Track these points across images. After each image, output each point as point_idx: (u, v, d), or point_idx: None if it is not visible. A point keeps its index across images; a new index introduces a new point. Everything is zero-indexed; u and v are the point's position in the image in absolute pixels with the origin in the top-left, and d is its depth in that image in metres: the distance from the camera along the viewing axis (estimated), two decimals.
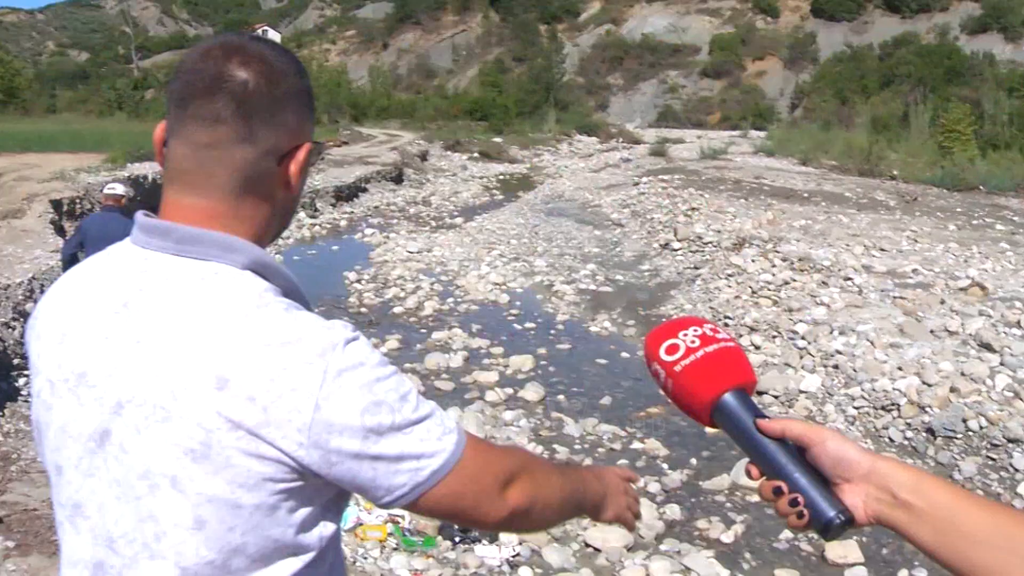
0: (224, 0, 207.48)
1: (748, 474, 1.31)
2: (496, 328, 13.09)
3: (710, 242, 17.13)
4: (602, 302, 14.73)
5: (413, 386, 1.44)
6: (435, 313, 14.03)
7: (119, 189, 9.72)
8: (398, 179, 33.35)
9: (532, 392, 10.19)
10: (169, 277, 1.42)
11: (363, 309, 14.46)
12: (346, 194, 27.86)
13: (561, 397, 10.24)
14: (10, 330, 9.59)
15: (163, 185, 1.52)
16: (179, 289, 1.41)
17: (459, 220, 24.50)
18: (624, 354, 11.91)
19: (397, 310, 14.26)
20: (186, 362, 1.35)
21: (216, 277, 1.41)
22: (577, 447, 8.58)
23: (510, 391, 10.27)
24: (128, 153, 24.96)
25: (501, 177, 38.53)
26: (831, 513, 1.18)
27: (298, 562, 1.44)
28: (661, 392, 1.39)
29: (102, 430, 1.40)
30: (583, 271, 16.94)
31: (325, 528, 1.47)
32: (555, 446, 8.51)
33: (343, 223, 24.25)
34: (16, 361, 9.24)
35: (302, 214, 23.79)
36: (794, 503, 1.20)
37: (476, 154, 46.83)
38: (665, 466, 8.30)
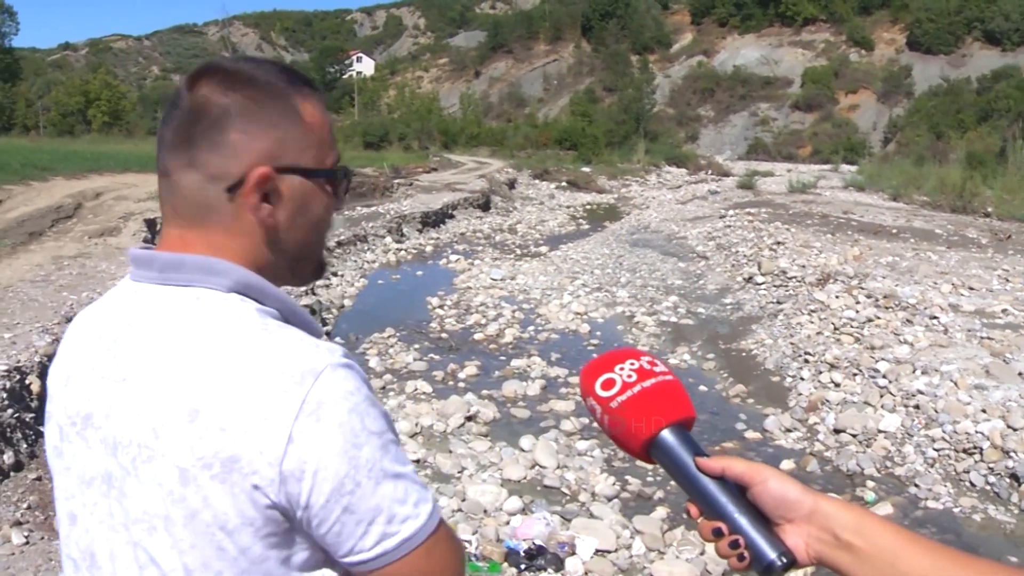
0: (320, 27, 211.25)
1: (687, 513, 1.27)
2: (575, 357, 13.10)
3: (794, 277, 16.95)
4: (683, 334, 14.66)
5: (397, 434, 1.32)
6: (515, 341, 14.09)
7: None
8: (485, 206, 33.56)
9: None
10: (153, 308, 1.34)
11: (444, 334, 14.57)
12: (433, 220, 28.10)
13: None
14: None
15: None
16: (161, 319, 1.32)
17: (544, 249, 24.57)
18: (702, 387, 11.83)
19: (478, 336, 14.36)
20: (162, 396, 1.25)
21: (198, 303, 1.32)
22: (649, 479, 8.55)
23: (585, 420, 10.26)
24: None
25: (588, 207, 38.56)
26: (772, 555, 1.15)
27: None
28: (597, 427, 1.36)
29: (106, 473, 1.32)
30: (665, 303, 16.88)
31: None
32: (627, 477, 8.49)
33: (429, 249, 24.47)
34: None
35: (388, 239, 24.05)
36: (735, 544, 1.17)
37: (564, 183, 46.86)
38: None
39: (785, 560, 1.15)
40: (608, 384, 1.26)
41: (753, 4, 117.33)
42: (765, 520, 1.19)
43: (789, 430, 10.19)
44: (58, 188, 21.05)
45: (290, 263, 1.45)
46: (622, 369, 1.27)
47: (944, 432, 9.14)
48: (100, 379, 1.34)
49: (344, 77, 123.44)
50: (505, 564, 6.39)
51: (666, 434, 1.24)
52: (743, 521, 1.17)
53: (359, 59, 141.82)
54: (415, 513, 1.28)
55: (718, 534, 1.18)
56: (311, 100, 1.42)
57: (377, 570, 1.28)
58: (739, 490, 1.21)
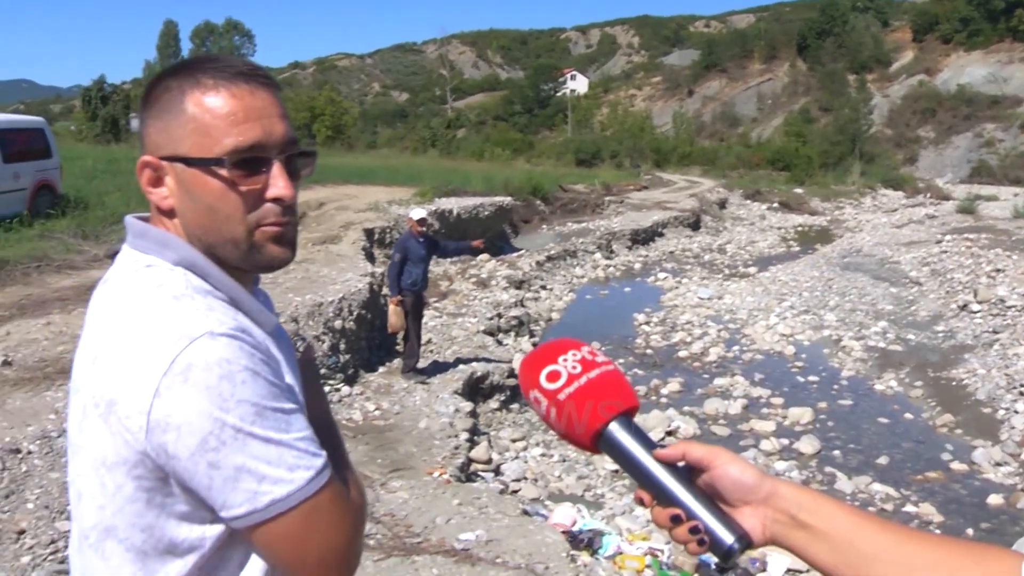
0: (535, 46, 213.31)
1: (639, 501, 1.27)
2: (778, 379, 13.11)
3: (1013, 306, 16.40)
4: (890, 361, 14.42)
5: (285, 406, 1.37)
6: (719, 360, 14.18)
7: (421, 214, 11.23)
8: (695, 225, 33.51)
9: (808, 445, 10.20)
10: (118, 268, 1.49)
11: (649, 351, 14.78)
12: (642, 238, 28.27)
13: (837, 452, 10.20)
14: (320, 342, 10.56)
15: None
16: (117, 279, 1.46)
17: (752, 269, 24.41)
18: (908, 415, 11.67)
19: (682, 354, 14.51)
20: (84, 342, 1.42)
21: (149, 270, 1.44)
22: (847, 501, 8.55)
23: (785, 442, 10.32)
24: (436, 188, 26.40)
25: (799, 228, 37.98)
26: (731, 540, 1.17)
27: (180, 564, 1.40)
28: (541, 420, 1.34)
29: None
30: (874, 328, 16.60)
31: (212, 530, 1.40)
32: None
33: (637, 266, 24.66)
34: (323, 371, 10.21)
35: (597, 255, 24.35)
36: (694, 531, 1.18)
37: (776, 204, 46.22)
38: (938, 532, 8.14)
39: (743, 544, 1.17)
40: (553, 376, 1.25)
41: (981, 19, 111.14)
42: (719, 504, 1.21)
43: (999, 464, 9.96)
44: None
45: (206, 247, 1.49)
46: (566, 360, 1.26)
47: None
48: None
49: (558, 95, 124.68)
50: (697, 575, 6.56)
51: (615, 425, 1.24)
52: (699, 507, 1.19)
53: (573, 77, 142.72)
54: (289, 478, 1.33)
55: (676, 520, 1.19)
56: (206, 91, 1.45)
57: (250, 528, 1.35)
58: (690, 474, 1.24)
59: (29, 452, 6.21)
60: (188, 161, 1.44)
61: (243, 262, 1.49)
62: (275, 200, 1.47)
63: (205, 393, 1.28)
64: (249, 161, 1.44)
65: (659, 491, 1.21)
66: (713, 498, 1.21)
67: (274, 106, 1.48)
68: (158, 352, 1.30)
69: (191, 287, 1.42)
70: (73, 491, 1.45)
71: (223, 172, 1.43)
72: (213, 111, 1.43)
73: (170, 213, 1.49)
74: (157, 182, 1.48)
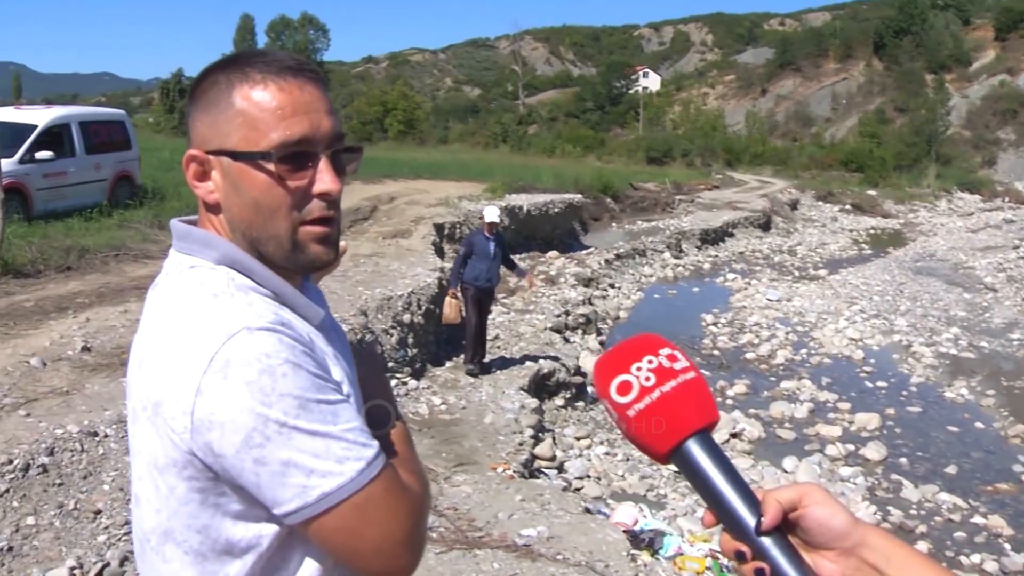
0: (608, 42, 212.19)
1: (702, 521, 1.18)
2: (846, 383, 13.03)
3: None
4: (962, 368, 14.25)
5: (331, 397, 1.36)
6: (786, 362, 14.12)
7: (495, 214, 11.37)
8: (766, 226, 33.28)
9: (874, 451, 10.14)
10: (165, 271, 1.50)
11: (716, 351, 14.76)
12: (712, 237, 28.16)
13: (903, 460, 10.11)
14: (388, 336, 10.67)
15: None
16: (165, 281, 1.48)
17: (823, 272, 24.25)
18: (979, 424, 11.53)
19: (749, 356, 14.48)
20: (135, 347, 1.44)
21: (192, 271, 1.45)
22: (912, 512, 8.51)
23: (851, 447, 10.27)
24: (507, 184, 26.46)
25: (872, 231, 37.56)
26: None
27: (239, 565, 1.40)
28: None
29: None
30: (945, 334, 16.40)
31: (268, 528, 1.39)
32: (889, 508, 8.48)
33: (706, 266, 24.59)
34: (391, 364, 10.34)
35: (666, 254, 24.30)
36: (760, 572, 1.07)
37: (848, 206, 45.75)
38: (1008, 546, 8.07)
39: None
40: (624, 388, 1.14)
41: None
42: (795, 547, 1.10)
43: None
44: (356, 192, 22.37)
45: (250, 243, 1.48)
46: (639, 369, 1.14)
47: None
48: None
49: (630, 92, 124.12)
50: None
51: (690, 443, 1.12)
52: (773, 551, 1.08)
53: (645, 74, 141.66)
54: (339, 470, 1.31)
55: (741, 557, 1.09)
56: (254, 85, 1.45)
57: (303, 523, 1.33)
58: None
59: (106, 435, 6.40)
60: (235, 155, 1.44)
61: (286, 260, 1.48)
62: (321, 195, 1.46)
63: (246, 388, 1.28)
64: (296, 155, 1.44)
65: (730, 521, 1.10)
66: (793, 536, 1.10)
67: (321, 101, 1.48)
68: (197, 350, 1.31)
69: (232, 284, 1.42)
70: (133, 495, 1.47)
71: (270, 166, 1.42)
72: (261, 105, 1.43)
73: (215, 208, 1.50)
74: (203, 176, 1.49)
